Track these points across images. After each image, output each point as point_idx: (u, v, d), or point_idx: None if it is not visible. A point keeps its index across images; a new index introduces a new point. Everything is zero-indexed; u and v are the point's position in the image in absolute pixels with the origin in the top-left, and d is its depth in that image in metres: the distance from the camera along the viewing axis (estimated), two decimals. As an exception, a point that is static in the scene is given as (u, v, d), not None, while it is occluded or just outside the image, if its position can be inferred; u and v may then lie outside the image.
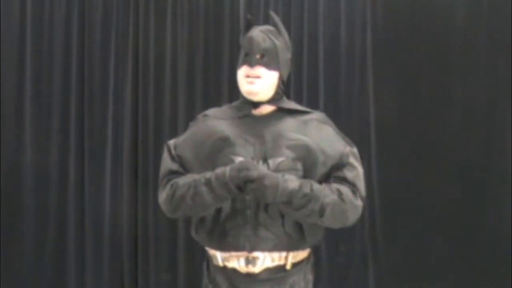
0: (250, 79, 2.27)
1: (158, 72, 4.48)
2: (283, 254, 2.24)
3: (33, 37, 4.44)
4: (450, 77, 4.51)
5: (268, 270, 2.23)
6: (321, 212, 2.17)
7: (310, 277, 2.39)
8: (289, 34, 4.39)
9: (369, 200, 4.47)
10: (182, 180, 2.23)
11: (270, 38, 2.30)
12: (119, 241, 4.45)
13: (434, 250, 4.46)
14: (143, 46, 4.48)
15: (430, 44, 4.47)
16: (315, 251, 4.35)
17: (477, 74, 4.48)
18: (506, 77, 4.44)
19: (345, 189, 2.22)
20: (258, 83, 2.27)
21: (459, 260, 4.43)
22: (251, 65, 2.26)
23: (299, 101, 4.41)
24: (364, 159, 4.47)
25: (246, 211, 2.20)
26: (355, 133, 4.48)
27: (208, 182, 2.15)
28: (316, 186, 2.19)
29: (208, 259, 2.36)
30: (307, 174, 2.22)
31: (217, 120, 2.33)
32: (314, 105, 4.42)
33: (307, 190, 2.16)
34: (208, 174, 2.18)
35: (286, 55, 2.35)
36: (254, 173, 2.10)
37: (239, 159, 2.18)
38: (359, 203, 2.26)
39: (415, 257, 4.44)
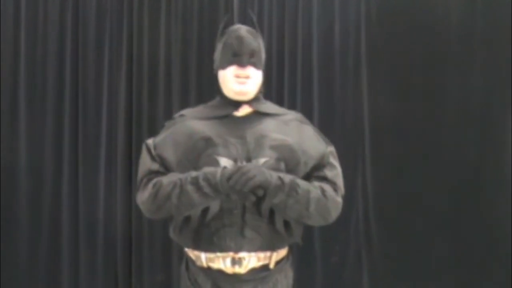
0: (241, 79, 2.28)
1: (152, 72, 4.47)
2: (268, 253, 2.26)
3: (27, 37, 4.42)
4: (446, 77, 4.51)
5: (253, 270, 2.24)
6: (307, 205, 2.19)
7: (290, 273, 2.41)
8: (283, 34, 4.47)
9: (363, 200, 4.49)
10: (166, 179, 2.21)
11: (255, 38, 2.32)
12: (113, 241, 4.44)
13: (429, 250, 4.46)
14: (137, 46, 4.46)
15: (425, 44, 4.47)
16: (309, 251, 4.37)
17: (473, 74, 4.48)
18: (502, 77, 4.44)
19: (327, 187, 2.27)
20: (249, 83, 2.29)
21: (455, 260, 4.43)
22: (243, 65, 2.27)
23: (293, 101, 4.44)
24: (359, 159, 4.50)
25: (233, 211, 2.20)
26: (350, 133, 4.49)
27: (195, 181, 2.14)
28: (299, 180, 2.22)
29: (188, 261, 2.35)
30: (289, 174, 2.24)
31: (196, 120, 2.32)
32: (308, 106, 4.44)
33: (292, 178, 2.19)
34: (194, 173, 2.17)
35: (264, 55, 2.38)
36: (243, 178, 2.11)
37: (223, 159, 2.18)
38: (340, 200, 2.31)
39: (410, 257, 4.44)
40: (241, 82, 2.28)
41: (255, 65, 2.29)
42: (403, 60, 4.50)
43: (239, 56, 2.28)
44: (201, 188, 2.13)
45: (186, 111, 2.43)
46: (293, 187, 2.17)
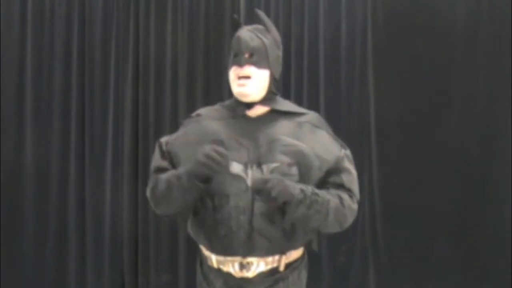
0: (241, 81, 2.24)
1: (159, 72, 4.48)
2: (276, 257, 2.23)
3: (34, 37, 4.44)
4: (451, 77, 4.50)
5: (261, 274, 2.23)
6: (326, 216, 2.18)
7: (304, 273, 2.38)
8: (290, 34, 4.47)
9: (369, 200, 4.48)
10: (164, 176, 2.22)
11: (258, 37, 2.27)
12: (119, 241, 4.45)
13: (435, 250, 4.45)
14: (144, 46, 4.47)
15: (431, 44, 4.46)
16: (315, 252, 4.36)
17: (478, 74, 4.48)
18: (506, 77, 4.43)
19: (344, 195, 2.24)
20: (249, 84, 2.24)
21: (460, 260, 4.42)
22: (241, 64, 2.24)
23: (299, 101, 4.42)
24: (365, 159, 4.49)
25: (240, 217, 2.17)
26: (356, 133, 4.49)
27: (179, 177, 2.14)
28: (318, 190, 2.19)
29: (202, 258, 2.36)
30: (302, 179, 2.21)
31: (211, 121, 2.30)
32: (314, 106, 4.43)
33: (311, 189, 2.17)
34: (182, 169, 2.16)
35: (276, 53, 2.31)
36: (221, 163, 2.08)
37: (233, 164, 2.16)
38: (356, 206, 2.29)
39: (415, 257, 4.43)
40: (240, 84, 2.24)
41: (256, 64, 2.24)
42: (409, 60, 4.49)
43: (237, 56, 2.25)
44: (182, 184, 2.13)
45: (203, 110, 2.41)
46: (314, 199, 2.15)
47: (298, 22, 4.51)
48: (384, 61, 4.51)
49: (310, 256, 4.37)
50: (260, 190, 2.10)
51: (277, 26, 4.42)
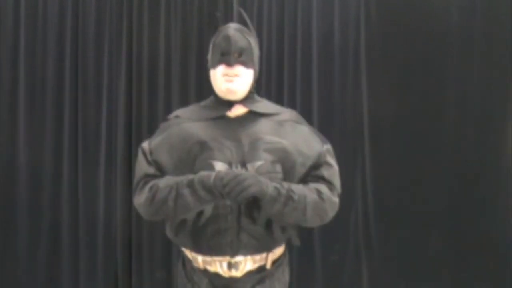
0: (229, 78, 2.26)
1: (152, 71, 4.47)
2: (264, 255, 2.26)
3: (27, 36, 4.42)
4: (445, 75, 4.50)
5: (249, 272, 2.24)
6: (304, 211, 2.19)
7: (287, 269, 2.41)
8: (283, 31, 4.47)
9: (363, 199, 4.49)
10: (163, 182, 2.20)
11: (245, 37, 2.30)
12: (113, 240, 4.44)
13: (429, 249, 4.46)
14: (137, 45, 4.46)
15: (425, 42, 4.46)
16: (308, 251, 4.37)
17: (472, 72, 4.48)
18: (501, 75, 4.44)
19: (323, 188, 2.26)
20: (237, 81, 2.26)
21: (454, 260, 4.43)
22: (230, 64, 2.25)
23: (292, 98, 4.43)
24: (358, 158, 4.50)
25: (228, 216, 2.19)
26: (349, 132, 4.49)
27: (190, 184, 2.13)
28: (295, 186, 2.21)
29: (184, 259, 2.36)
30: (286, 176, 2.23)
31: (191, 122, 2.30)
32: (307, 105, 4.44)
33: (287, 186, 2.18)
34: (191, 176, 2.16)
35: (257, 53, 2.35)
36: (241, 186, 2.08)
37: (218, 164, 2.17)
38: (337, 199, 2.30)
39: (409, 256, 4.44)
40: (228, 80, 2.26)
41: (244, 64, 2.27)
42: (403, 59, 4.49)
43: (226, 56, 2.26)
44: (196, 191, 2.12)
45: (180, 112, 2.42)
46: (289, 196, 2.16)
47: (291, 19, 4.50)
48: (378, 58, 4.51)
49: (303, 254, 4.39)
50: (229, 182, 2.07)
51: (270, 26, 4.49)
